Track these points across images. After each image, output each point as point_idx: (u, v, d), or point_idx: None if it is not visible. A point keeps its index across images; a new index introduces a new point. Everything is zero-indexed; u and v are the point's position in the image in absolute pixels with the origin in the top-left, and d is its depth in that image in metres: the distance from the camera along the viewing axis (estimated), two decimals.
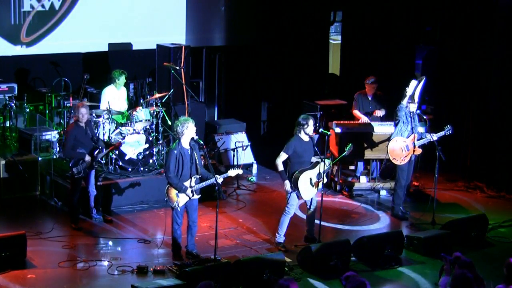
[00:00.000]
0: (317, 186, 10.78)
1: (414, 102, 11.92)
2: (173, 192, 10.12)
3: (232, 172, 10.35)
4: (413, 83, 12.02)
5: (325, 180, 10.94)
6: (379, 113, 13.37)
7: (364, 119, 13.45)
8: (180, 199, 10.14)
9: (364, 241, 10.54)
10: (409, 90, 11.98)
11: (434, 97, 15.20)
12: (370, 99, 13.59)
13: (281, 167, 10.69)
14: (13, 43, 14.57)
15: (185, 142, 10.10)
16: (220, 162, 14.03)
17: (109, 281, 9.72)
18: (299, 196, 10.72)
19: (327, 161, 10.86)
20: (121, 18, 15.44)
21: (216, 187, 10.16)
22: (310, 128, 10.64)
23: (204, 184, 10.22)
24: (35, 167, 12.55)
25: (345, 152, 11.20)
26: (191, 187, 10.12)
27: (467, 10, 14.29)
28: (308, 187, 10.71)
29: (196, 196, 10.25)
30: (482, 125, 14.20)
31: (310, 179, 10.71)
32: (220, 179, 10.11)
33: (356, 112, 13.63)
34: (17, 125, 13.88)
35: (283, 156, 10.68)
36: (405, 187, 12.27)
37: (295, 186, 10.65)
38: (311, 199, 10.92)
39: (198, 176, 10.19)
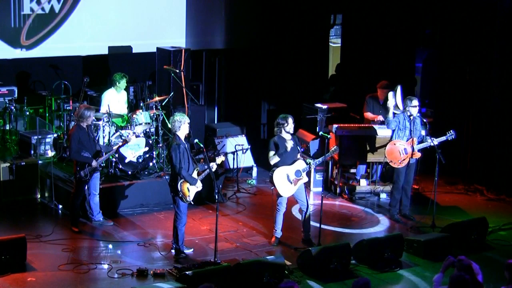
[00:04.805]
0: (296, 184, 10.81)
1: (415, 106, 11.93)
2: (185, 187, 10.24)
3: (218, 160, 10.60)
4: (391, 95, 12.03)
5: (306, 179, 10.95)
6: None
7: (379, 118, 13.36)
8: (191, 193, 10.30)
9: (364, 244, 10.54)
10: (390, 103, 12.02)
11: (434, 100, 15.21)
12: (381, 103, 13.52)
13: (277, 159, 10.80)
14: (13, 46, 14.58)
15: (183, 137, 10.30)
16: (220, 166, 14.02)
17: (109, 284, 9.72)
18: (277, 193, 10.80)
19: (308, 160, 10.90)
20: (121, 21, 15.45)
21: (216, 189, 10.34)
22: (290, 126, 10.83)
23: (203, 175, 10.43)
24: (35, 170, 12.55)
25: (328, 153, 11.15)
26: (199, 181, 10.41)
27: (467, 12, 14.30)
28: (285, 183, 10.77)
29: (201, 187, 10.48)
30: (482, 128, 14.20)
31: (287, 175, 10.76)
32: (214, 166, 10.37)
33: (368, 114, 13.57)
34: (17, 128, 13.89)
35: (271, 153, 10.84)
36: (408, 190, 12.23)
37: (270, 182, 10.80)
38: (306, 203, 10.95)
39: (198, 169, 10.41)
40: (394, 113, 12.02)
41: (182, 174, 10.20)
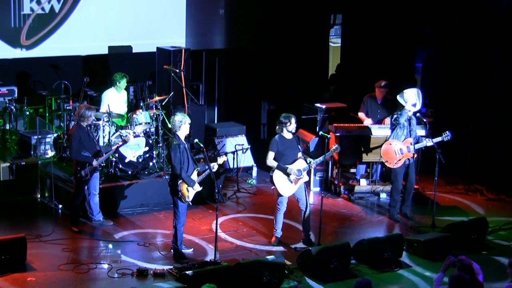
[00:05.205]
0: (297, 183, 10.82)
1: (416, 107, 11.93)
2: (184, 187, 10.24)
3: (220, 160, 10.61)
4: (413, 92, 11.91)
5: (307, 178, 10.96)
6: (388, 120, 13.31)
7: (367, 121, 13.40)
8: (190, 193, 10.29)
9: (364, 244, 10.54)
10: (412, 99, 11.87)
11: (434, 100, 15.20)
12: (379, 103, 13.53)
13: (275, 163, 10.80)
14: (13, 46, 14.58)
15: (183, 137, 10.28)
16: (220, 166, 14.03)
17: (109, 284, 9.72)
18: (277, 193, 10.79)
19: (308, 160, 10.91)
20: (121, 21, 15.45)
21: (216, 190, 10.35)
22: (292, 126, 10.83)
23: (203, 175, 10.41)
24: (35, 170, 12.55)
25: (329, 152, 11.16)
26: (198, 182, 10.39)
27: (467, 12, 14.30)
28: (286, 183, 10.78)
29: (199, 188, 10.45)
30: (482, 128, 14.20)
31: (288, 175, 10.76)
32: (216, 166, 10.38)
33: (361, 115, 13.58)
34: (17, 128, 13.89)
35: (270, 155, 10.84)
36: (410, 190, 12.23)
37: (271, 182, 10.81)
38: (305, 203, 10.95)
39: (198, 169, 10.40)
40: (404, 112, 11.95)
41: (181, 176, 10.19)
